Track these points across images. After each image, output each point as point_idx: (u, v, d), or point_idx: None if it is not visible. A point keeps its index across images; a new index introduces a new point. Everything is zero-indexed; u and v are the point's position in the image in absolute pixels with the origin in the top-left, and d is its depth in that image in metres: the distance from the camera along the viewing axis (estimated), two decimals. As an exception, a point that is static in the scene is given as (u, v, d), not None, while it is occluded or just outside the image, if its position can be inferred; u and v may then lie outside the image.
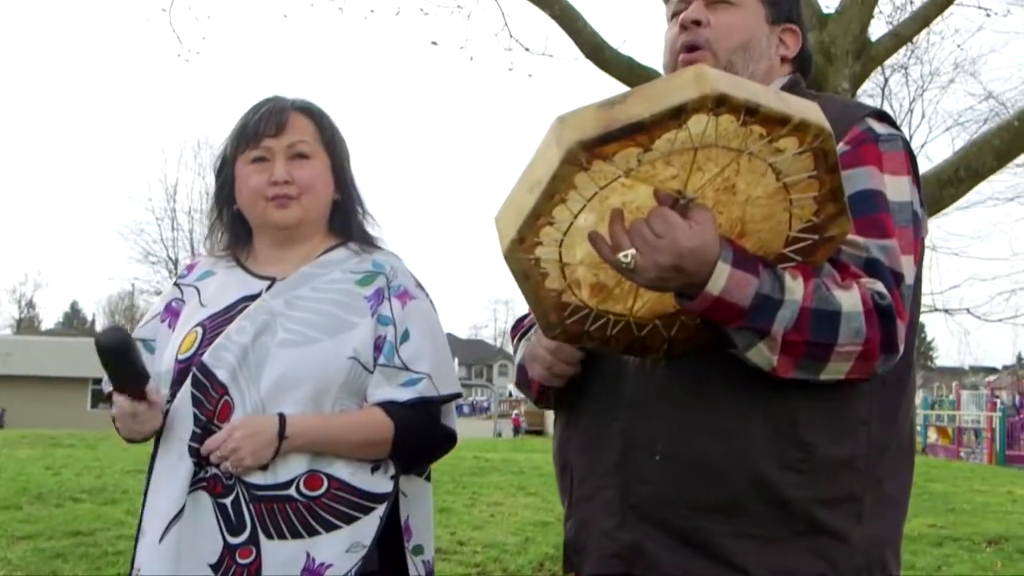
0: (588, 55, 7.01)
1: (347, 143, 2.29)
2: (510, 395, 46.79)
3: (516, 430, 35.29)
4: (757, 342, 1.51)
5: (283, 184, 2.11)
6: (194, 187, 39.99)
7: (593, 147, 1.30)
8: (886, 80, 26.51)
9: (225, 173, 2.21)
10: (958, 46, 17.94)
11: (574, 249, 1.48)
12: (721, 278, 1.45)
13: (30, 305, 59.94)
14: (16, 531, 6.87)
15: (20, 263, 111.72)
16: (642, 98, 1.30)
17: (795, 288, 1.50)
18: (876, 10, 7.48)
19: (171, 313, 2.22)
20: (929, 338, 60.63)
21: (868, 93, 26.71)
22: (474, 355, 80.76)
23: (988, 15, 9.38)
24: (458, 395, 2.17)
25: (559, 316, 1.58)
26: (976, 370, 49.71)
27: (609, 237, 1.43)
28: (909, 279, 1.64)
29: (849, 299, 1.52)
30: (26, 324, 56.81)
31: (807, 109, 1.37)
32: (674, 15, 1.90)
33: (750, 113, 1.31)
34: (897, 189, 1.69)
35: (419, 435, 2.10)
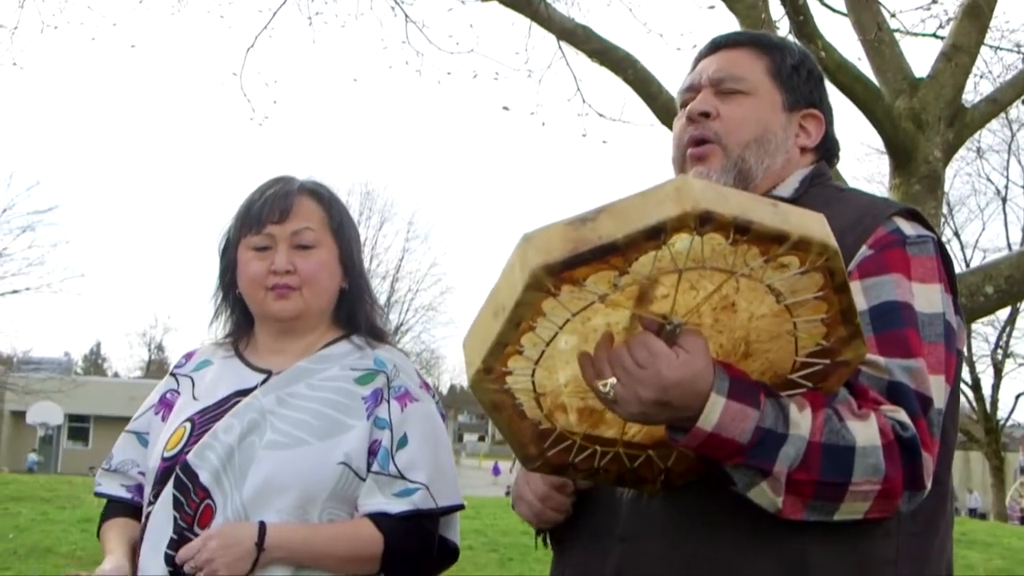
0: (665, 122, 6.83)
1: (356, 228, 2.16)
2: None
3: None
4: (759, 481, 1.32)
5: (284, 274, 1.99)
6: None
7: (560, 271, 1.14)
8: (1013, 135, 25.89)
9: (228, 256, 2.10)
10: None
11: (555, 373, 1.32)
12: (714, 412, 1.27)
13: (159, 348, 61.19)
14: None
15: (150, 307, 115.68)
16: (616, 216, 1.14)
17: (801, 421, 1.31)
18: (972, 75, 7.15)
19: (165, 405, 2.12)
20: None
21: (995, 149, 26.12)
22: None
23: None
24: (460, 507, 2.00)
25: (538, 448, 1.41)
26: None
27: (593, 360, 1.27)
28: (939, 403, 1.44)
29: (865, 431, 1.34)
30: (155, 367, 57.72)
31: (809, 224, 1.20)
32: (683, 105, 1.74)
33: (741, 231, 1.14)
34: (927, 299, 1.50)
35: (413, 551, 1.94)
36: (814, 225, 1.20)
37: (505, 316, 1.19)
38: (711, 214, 1.12)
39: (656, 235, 1.12)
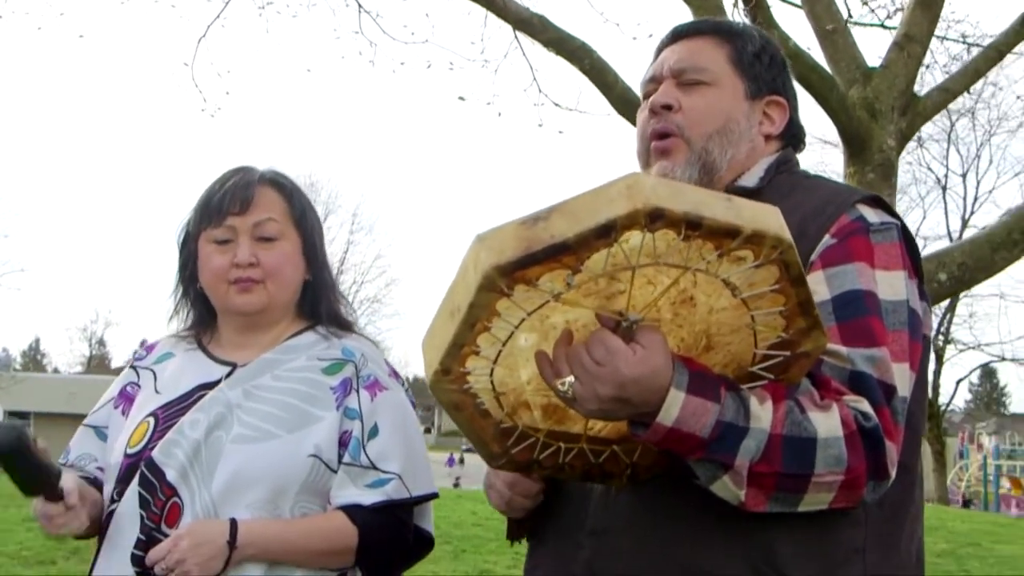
0: (621, 111, 6.82)
1: (319, 218, 2.14)
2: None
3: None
4: (721, 475, 1.32)
5: (247, 267, 1.95)
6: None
7: (512, 271, 1.14)
8: (952, 125, 26.39)
9: (188, 249, 2.05)
10: (1017, 97, 17.44)
11: (517, 371, 1.32)
12: (674, 407, 1.27)
13: (101, 344, 60.25)
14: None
15: (91, 301, 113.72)
16: (567, 214, 1.14)
17: (762, 414, 1.32)
18: (923, 64, 7.25)
19: (125, 399, 2.08)
20: (1002, 384, 60.26)
21: (935, 138, 26.63)
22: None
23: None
24: (434, 495, 1.99)
25: (502, 446, 1.42)
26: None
27: (552, 359, 1.27)
28: (903, 391, 1.45)
29: (827, 422, 1.34)
30: (96, 362, 56.89)
31: (762, 218, 1.20)
32: (645, 96, 1.73)
33: (692, 227, 1.15)
34: (890, 286, 1.50)
35: (388, 541, 1.93)
36: (768, 219, 1.20)
37: (460, 317, 1.19)
38: (661, 211, 1.12)
39: (607, 233, 1.12)
